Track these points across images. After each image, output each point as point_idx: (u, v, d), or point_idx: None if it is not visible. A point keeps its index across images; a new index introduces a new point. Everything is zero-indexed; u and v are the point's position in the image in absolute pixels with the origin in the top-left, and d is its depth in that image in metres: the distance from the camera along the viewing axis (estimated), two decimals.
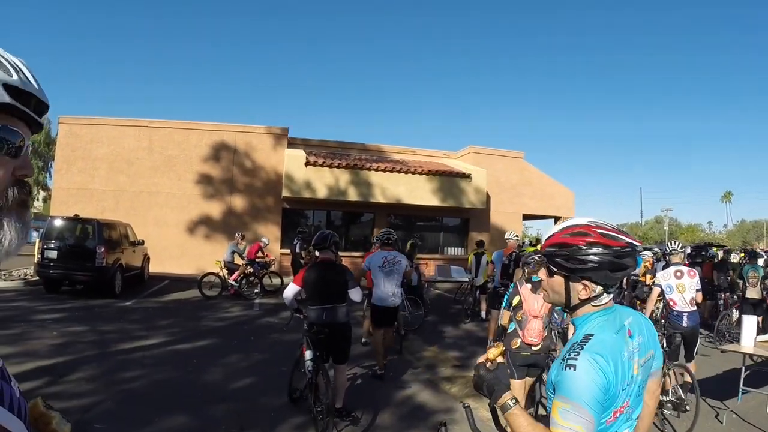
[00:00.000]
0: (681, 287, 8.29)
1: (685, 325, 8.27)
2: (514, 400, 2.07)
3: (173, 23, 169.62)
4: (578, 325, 2.19)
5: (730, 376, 9.51)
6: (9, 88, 1.08)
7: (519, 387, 6.35)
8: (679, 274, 8.38)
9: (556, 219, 29.23)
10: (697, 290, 8.35)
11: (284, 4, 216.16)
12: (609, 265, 2.10)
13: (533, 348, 6.34)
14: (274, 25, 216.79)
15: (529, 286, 6.60)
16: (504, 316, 6.84)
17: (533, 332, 6.37)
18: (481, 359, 2.27)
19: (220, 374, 8.76)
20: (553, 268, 2.20)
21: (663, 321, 9.09)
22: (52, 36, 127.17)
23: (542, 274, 2.31)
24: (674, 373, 7.44)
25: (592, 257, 2.09)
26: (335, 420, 6.71)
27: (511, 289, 6.85)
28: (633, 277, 15.66)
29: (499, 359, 2.25)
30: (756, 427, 7.40)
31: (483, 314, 14.76)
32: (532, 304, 6.44)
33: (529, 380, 6.58)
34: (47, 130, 61.62)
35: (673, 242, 9.30)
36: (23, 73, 1.12)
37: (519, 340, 6.41)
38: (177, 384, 8.15)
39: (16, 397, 1.15)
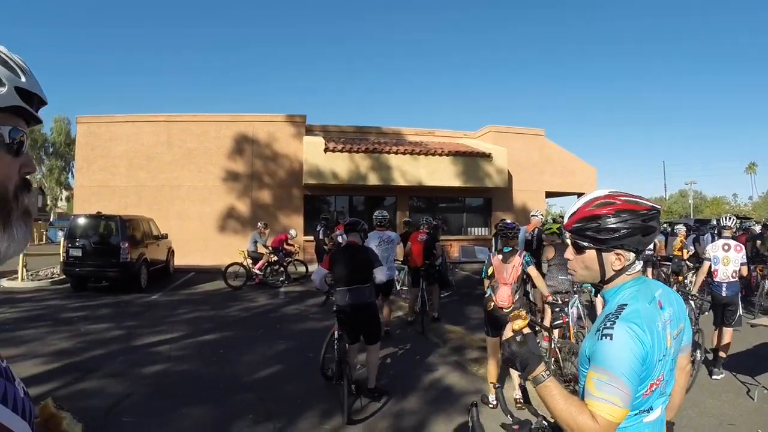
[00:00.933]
0: (726, 260, 8.56)
1: (724, 294, 8.57)
2: (547, 373, 2.03)
3: (182, 15, 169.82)
4: (609, 297, 2.15)
5: (761, 350, 9.38)
6: (19, 90, 1.10)
7: (493, 344, 7.00)
8: (726, 247, 8.64)
9: (579, 195, 28.73)
10: (742, 264, 8.59)
11: None
12: (640, 230, 2.09)
13: (504, 310, 6.87)
14: (281, 12, 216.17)
15: (500, 257, 7.18)
16: (485, 283, 7.45)
17: (503, 297, 6.97)
18: (507, 333, 2.18)
19: (247, 363, 8.77)
20: (584, 243, 2.15)
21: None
22: (66, 36, 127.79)
23: (569, 253, 2.25)
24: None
25: (622, 224, 2.07)
26: (364, 399, 7.04)
27: (486, 261, 7.48)
28: (647, 253, 15.32)
29: (526, 330, 2.16)
30: None
31: None
32: (502, 273, 7.04)
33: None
34: (67, 131, 62.30)
35: (726, 218, 9.34)
36: (27, 73, 1.14)
37: (492, 304, 7.06)
38: (204, 375, 8.17)
39: (20, 397, 1.13)
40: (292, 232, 19.40)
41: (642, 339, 1.89)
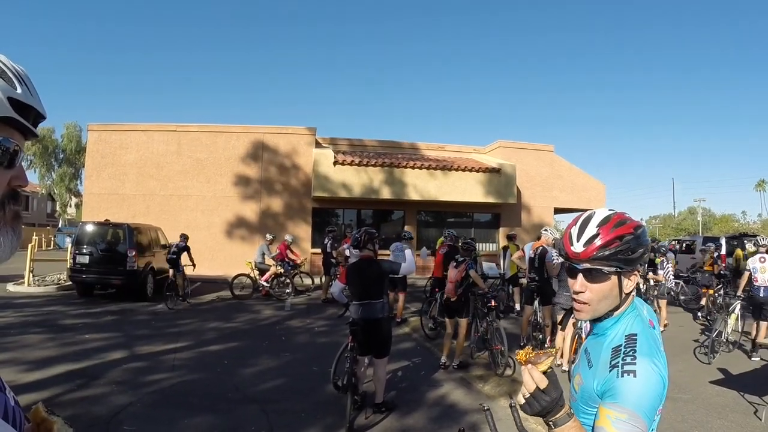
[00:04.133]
0: (763, 269, 11.15)
1: (761, 295, 11.00)
2: (570, 413, 1.81)
3: (196, 31, 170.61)
4: (607, 327, 2.01)
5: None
6: (12, 101, 1.08)
7: (451, 324, 9.87)
8: (762, 260, 11.29)
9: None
10: None
11: (306, 7, 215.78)
12: (649, 245, 2.04)
13: (451, 299, 9.67)
14: (294, 29, 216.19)
15: (454, 264, 9.97)
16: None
17: (450, 290, 9.73)
18: (533, 382, 1.77)
19: (251, 375, 8.74)
20: (609, 269, 1.95)
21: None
22: (81, 47, 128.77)
23: (581, 284, 1.99)
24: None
25: (640, 242, 1.98)
26: (369, 412, 7.08)
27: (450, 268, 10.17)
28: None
29: (549, 371, 1.80)
30: None
31: (517, 307, 14.77)
32: (451, 274, 9.83)
33: (462, 321, 9.73)
34: (78, 138, 62.46)
35: (762, 238, 11.95)
36: (26, 85, 1.12)
37: (447, 295, 9.79)
38: (207, 385, 8.15)
39: (10, 405, 1.13)
40: (288, 237, 19.28)
41: (663, 373, 1.81)
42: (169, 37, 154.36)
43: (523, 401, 1.82)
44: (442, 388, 8.46)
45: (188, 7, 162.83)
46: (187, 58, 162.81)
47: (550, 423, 1.81)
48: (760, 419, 7.24)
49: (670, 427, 6.85)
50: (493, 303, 9.99)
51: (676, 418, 7.22)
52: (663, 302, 14.04)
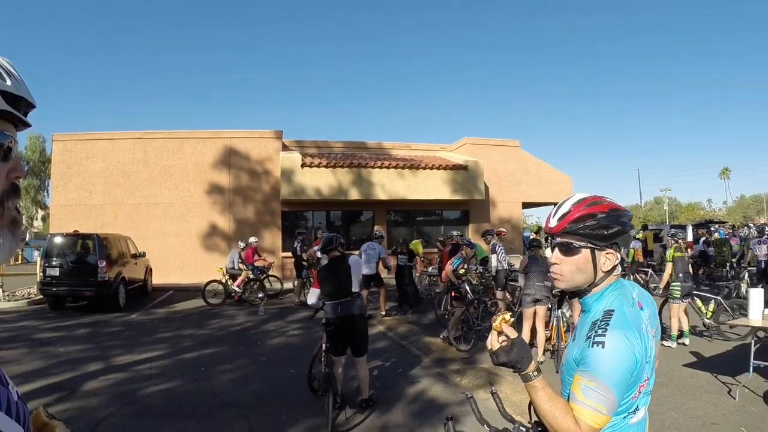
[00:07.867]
0: (761, 249, 16.50)
1: (763, 266, 16.13)
2: (535, 373, 1.99)
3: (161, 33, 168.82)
4: (592, 303, 2.13)
5: (740, 351, 9.49)
6: (4, 94, 1.08)
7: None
8: (759, 242, 16.76)
9: (555, 205, 29.00)
10: None
11: (267, 7, 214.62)
12: (629, 227, 2.14)
13: (440, 283, 12.07)
14: (255, 30, 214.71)
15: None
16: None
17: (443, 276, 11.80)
18: (494, 341, 2.07)
19: (229, 380, 8.74)
20: (581, 243, 2.10)
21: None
22: (43, 52, 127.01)
23: (556, 257, 2.17)
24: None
25: (615, 222, 2.09)
26: (349, 411, 7.13)
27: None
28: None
29: (512, 335, 2.05)
30: None
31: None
32: (446, 266, 11.59)
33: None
34: (42, 149, 61.59)
35: (760, 226, 15.06)
36: (14, 76, 1.12)
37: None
38: (186, 393, 8.12)
39: (14, 400, 1.11)
40: (252, 239, 19.11)
41: (633, 347, 1.89)
42: (129, 41, 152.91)
43: (497, 347, 2.07)
44: (421, 384, 8.53)
45: (147, 11, 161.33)
46: (149, 62, 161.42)
47: (521, 375, 2.05)
48: (734, 398, 7.42)
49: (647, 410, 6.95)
50: (452, 294, 11.37)
51: (652, 401, 7.27)
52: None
